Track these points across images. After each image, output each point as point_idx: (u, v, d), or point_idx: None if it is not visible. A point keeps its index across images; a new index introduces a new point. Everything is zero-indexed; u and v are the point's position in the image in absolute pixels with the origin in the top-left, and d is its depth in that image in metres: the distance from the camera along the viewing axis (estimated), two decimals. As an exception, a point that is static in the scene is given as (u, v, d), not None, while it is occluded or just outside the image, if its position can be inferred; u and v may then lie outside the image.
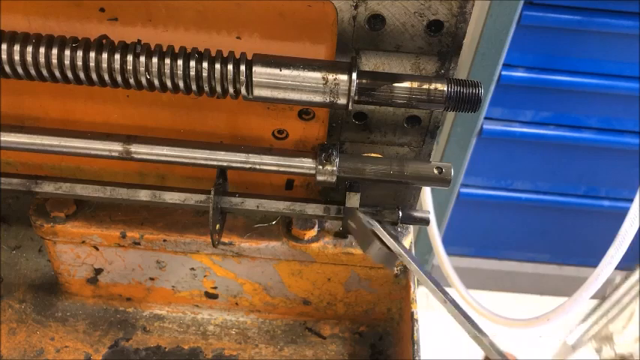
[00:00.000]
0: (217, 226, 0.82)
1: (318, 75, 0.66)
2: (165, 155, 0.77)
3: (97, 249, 0.92)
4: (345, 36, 0.71)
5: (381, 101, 0.70)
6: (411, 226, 0.93)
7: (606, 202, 1.96)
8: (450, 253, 1.80)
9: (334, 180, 0.77)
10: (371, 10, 0.68)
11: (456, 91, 0.69)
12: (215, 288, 0.98)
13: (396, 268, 0.93)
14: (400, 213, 0.86)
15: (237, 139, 0.84)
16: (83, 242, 0.90)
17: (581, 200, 1.97)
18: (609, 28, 1.54)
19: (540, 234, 2.15)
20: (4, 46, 0.64)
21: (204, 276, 0.96)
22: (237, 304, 1.00)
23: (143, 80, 0.67)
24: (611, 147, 1.79)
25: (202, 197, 0.83)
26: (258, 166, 0.78)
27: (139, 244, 0.90)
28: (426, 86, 0.69)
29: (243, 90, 0.67)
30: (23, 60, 0.65)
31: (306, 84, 0.66)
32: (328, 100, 0.67)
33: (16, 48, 0.64)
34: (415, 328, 0.87)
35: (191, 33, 0.72)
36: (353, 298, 0.97)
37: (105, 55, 0.65)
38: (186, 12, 0.71)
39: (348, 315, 1.00)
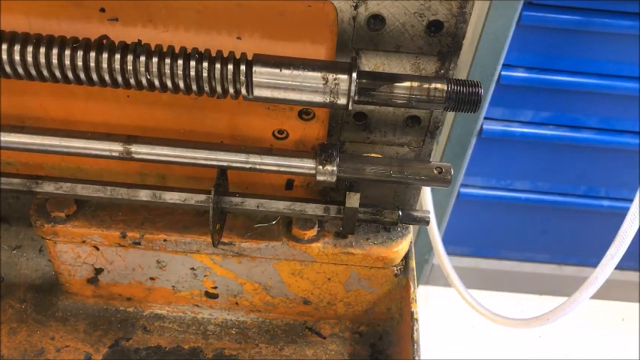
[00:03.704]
0: (217, 225, 0.82)
1: (318, 75, 0.66)
2: (166, 155, 0.77)
3: (98, 249, 0.92)
4: (345, 36, 0.71)
5: (381, 101, 0.70)
6: (411, 226, 0.93)
7: (606, 202, 1.96)
8: (449, 253, 1.80)
9: (334, 180, 0.77)
10: (371, 11, 0.69)
11: (456, 91, 0.69)
12: (215, 288, 0.98)
13: (395, 268, 0.93)
14: (400, 213, 0.86)
15: (237, 139, 0.85)
16: (83, 242, 0.91)
17: (581, 200, 1.97)
18: (609, 28, 1.54)
19: (540, 234, 2.15)
20: (4, 46, 0.64)
21: (205, 276, 0.96)
22: (237, 303, 1.00)
23: (143, 80, 0.67)
24: (611, 147, 1.79)
25: (203, 197, 0.83)
26: (258, 166, 0.78)
27: (139, 243, 0.90)
28: (425, 86, 0.69)
29: (243, 90, 0.67)
30: (24, 60, 0.65)
31: (306, 84, 0.66)
32: (328, 100, 0.68)
33: (17, 48, 0.64)
34: (415, 328, 0.87)
35: (191, 33, 0.72)
36: (353, 297, 0.97)
37: (105, 56, 0.65)
38: (186, 12, 0.71)
39: (348, 315, 1.00)
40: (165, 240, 0.89)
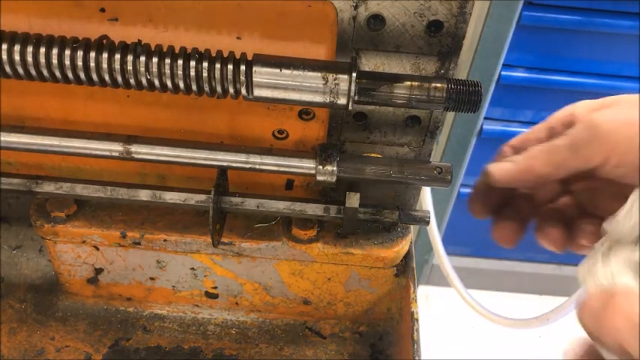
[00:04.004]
0: (217, 226, 0.82)
1: (318, 75, 0.66)
2: (166, 155, 0.77)
3: (98, 249, 0.92)
4: (345, 36, 0.71)
5: (381, 101, 0.70)
6: (411, 226, 0.93)
7: (606, 202, 1.96)
8: (449, 253, 1.80)
9: (334, 180, 0.77)
10: (371, 11, 0.69)
11: (456, 91, 0.69)
12: (215, 288, 0.98)
13: (395, 268, 0.93)
14: (400, 213, 0.86)
15: (237, 139, 0.85)
16: (83, 242, 0.91)
17: (581, 200, 1.96)
18: (609, 28, 1.54)
19: (540, 234, 2.14)
20: (4, 46, 0.64)
21: (205, 276, 0.96)
22: (237, 303, 1.00)
23: (143, 80, 0.67)
24: (611, 147, 1.78)
25: (203, 197, 0.83)
26: (258, 167, 0.78)
27: (139, 243, 0.90)
28: (425, 86, 0.69)
29: (243, 90, 0.67)
30: (24, 60, 0.65)
31: (306, 84, 0.66)
32: (328, 100, 0.68)
33: (17, 48, 0.64)
34: (415, 328, 0.87)
35: (191, 33, 0.72)
36: (353, 297, 0.97)
37: (105, 56, 0.65)
38: (186, 12, 0.71)
39: (348, 315, 1.00)
40: (165, 240, 0.89)
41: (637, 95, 0.63)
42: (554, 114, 0.70)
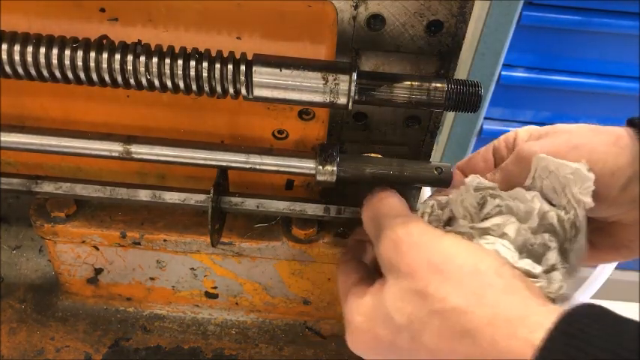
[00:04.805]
0: (217, 225, 0.82)
1: (318, 75, 0.66)
2: (166, 155, 0.77)
3: (98, 249, 0.92)
4: (345, 36, 0.71)
5: (381, 101, 0.70)
6: (411, 226, 0.93)
7: (606, 202, 1.96)
8: (450, 253, 1.80)
9: (334, 180, 0.77)
10: (371, 11, 0.69)
11: (456, 91, 0.69)
12: (215, 288, 0.98)
13: None
14: (400, 213, 0.86)
15: (237, 139, 0.85)
16: (83, 242, 0.91)
17: (581, 200, 1.96)
18: (609, 28, 1.54)
19: (540, 234, 2.14)
20: (4, 46, 0.64)
21: (205, 276, 0.96)
22: (237, 303, 1.00)
23: (143, 80, 0.67)
24: (611, 147, 1.79)
25: (202, 197, 0.83)
26: (258, 167, 0.78)
27: (139, 243, 0.90)
28: (425, 86, 0.69)
29: (243, 90, 0.67)
30: (23, 60, 0.65)
31: (306, 84, 0.66)
32: (328, 100, 0.68)
33: (17, 48, 0.64)
34: (415, 328, 0.87)
35: (191, 33, 0.72)
36: (353, 297, 0.97)
37: (105, 56, 0.65)
38: (186, 12, 0.71)
39: (348, 315, 1.00)
40: (165, 240, 0.89)
41: (572, 125, 0.67)
42: (500, 136, 0.74)
